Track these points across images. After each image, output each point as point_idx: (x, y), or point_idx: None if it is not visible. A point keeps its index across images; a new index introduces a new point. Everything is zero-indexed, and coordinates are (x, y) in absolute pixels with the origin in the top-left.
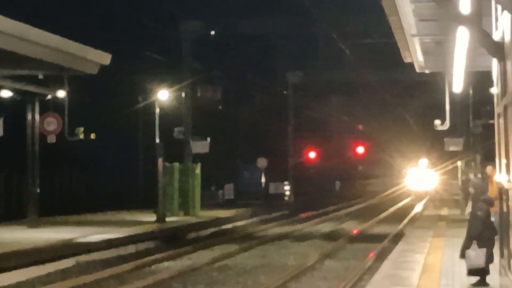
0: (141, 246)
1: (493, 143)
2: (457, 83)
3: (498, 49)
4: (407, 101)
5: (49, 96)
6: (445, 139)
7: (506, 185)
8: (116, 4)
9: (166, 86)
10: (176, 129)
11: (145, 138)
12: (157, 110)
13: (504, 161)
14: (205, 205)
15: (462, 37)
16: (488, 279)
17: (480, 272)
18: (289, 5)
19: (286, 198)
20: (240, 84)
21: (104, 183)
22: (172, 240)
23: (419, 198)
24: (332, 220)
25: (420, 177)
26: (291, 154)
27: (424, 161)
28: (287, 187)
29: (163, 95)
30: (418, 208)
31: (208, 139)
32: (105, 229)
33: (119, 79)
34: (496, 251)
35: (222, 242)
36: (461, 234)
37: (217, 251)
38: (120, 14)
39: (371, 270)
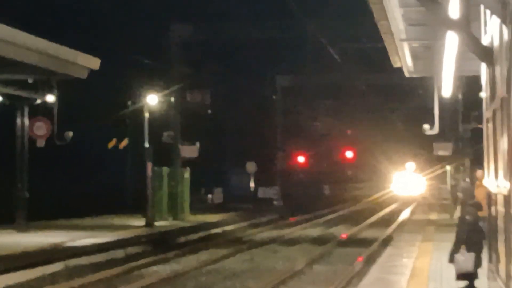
0: (130, 250)
1: (482, 148)
2: (446, 87)
3: (486, 54)
4: (396, 105)
5: (38, 101)
6: (434, 144)
7: (494, 190)
8: (106, 8)
9: (155, 90)
10: (165, 134)
11: (134, 142)
12: (146, 115)
13: (492, 165)
14: (194, 210)
15: (451, 41)
16: (477, 283)
17: (468, 277)
18: (278, 9)
19: (275, 202)
20: (229, 88)
21: (93, 187)
22: (161, 244)
23: (408, 201)
24: (320, 224)
25: (406, 181)
26: (279, 158)
27: (411, 165)
28: (276, 191)
29: (152, 100)
30: (407, 212)
31: (197, 143)
32: (94, 233)
33: (108, 83)
34: (484, 255)
35: (211, 246)
36: (450, 238)
37: (206, 255)
38: (109, 18)
39: (360, 274)
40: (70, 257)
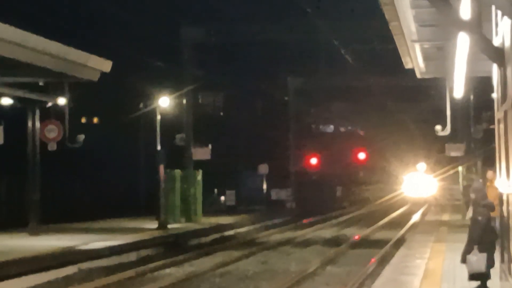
0: (143, 253)
1: (494, 148)
2: (458, 88)
3: (498, 55)
4: (408, 106)
5: (50, 104)
6: (446, 145)
7: (506, 190)
8: (117, 11)
9: (167, 92)
10: (177, 136)
11: (146, 145)
12: (158, 117)
13: (504, 166)
14: (206, 212)
15: (463, 42)
16: (489, 283)
17: (481, 277)
18: (290, 11)
19: (287, 204)
20: (241, 90)
21: (106, 190)
22: (174, 246)
23: (420, 202)
24: (333, 226)
25: (417, 183)
26: (292, 160)
27: (422, 166)
28: (288, 193)
29: (164, 102)
30: (419, 213)
31: (210, 145)
32: (107, 236)
33: (120, 86)
34: (497, 255)
35: (224, 249)
36: (462, 239)
37: (219, 257)
38: (121, 21)
39: (373, 276)
40: (83, 261)
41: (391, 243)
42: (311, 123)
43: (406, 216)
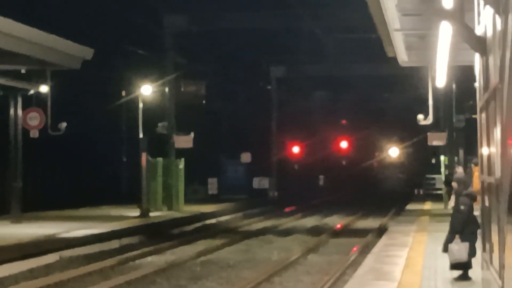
0: (125, 241)
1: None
2: (440, 77)
3: (480, 44)
4: (390, 95)
5: (32, 91)
6: (429, 134)
7: (487, 179)
8: None
9: (150, 81)
10: (159, 124)
11: (128, 133)
12: (141, 105)
13: (486, 155)
14: (188, 200)
15: (445, 31)
16: (471, 273)
17: (462, 266)
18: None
19: (270, 193)
20: (224, 78)
21: (88, 178)
22: (156, 235)
23: (401, 191)
24: (315, 215)
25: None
26: (274, 149)
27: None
28: (271, 182)
29: (147, 90)
30: (401, 201)
31: (192, 134)
32: (89, 224)
33: (102, 74)
34: (478, 245)
35: (206, 237)
36: (444, 228)
37: (201, 246)
38: (103, 8)
39: (354, 265)
40: (65, 248)
41: (372, 232)
42: (294, 111)
43: (388, 204)
